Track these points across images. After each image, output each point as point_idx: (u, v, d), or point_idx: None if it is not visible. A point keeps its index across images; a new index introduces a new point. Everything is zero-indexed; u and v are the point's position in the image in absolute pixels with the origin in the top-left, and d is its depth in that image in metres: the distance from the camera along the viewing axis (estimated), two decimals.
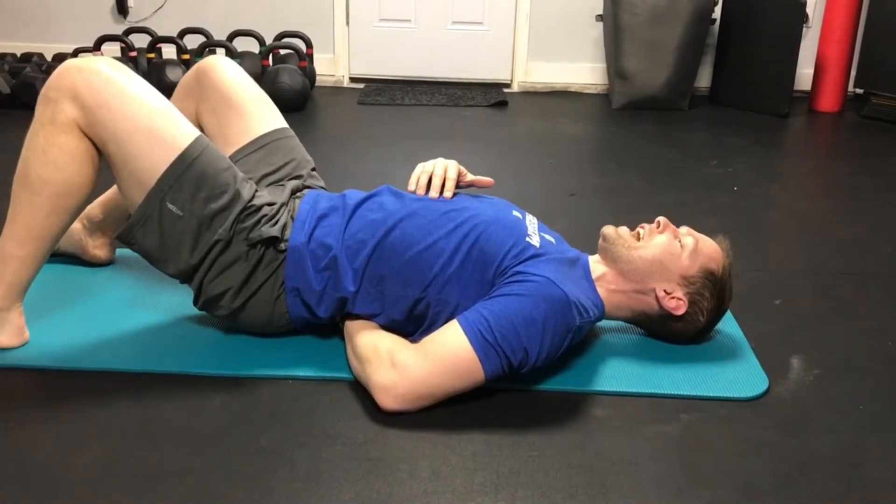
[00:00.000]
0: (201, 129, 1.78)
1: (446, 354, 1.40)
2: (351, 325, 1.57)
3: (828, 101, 4.10)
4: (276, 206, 1.59)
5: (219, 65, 1.78)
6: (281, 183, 1.73)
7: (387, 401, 1.40)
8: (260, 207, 1.56)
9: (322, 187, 1.82)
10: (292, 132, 1.83)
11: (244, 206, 1.54)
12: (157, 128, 1.48)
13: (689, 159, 3.22)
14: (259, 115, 1.78)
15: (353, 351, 1.52)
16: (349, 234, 1.56)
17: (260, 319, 1.59)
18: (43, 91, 1.48)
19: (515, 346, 1.40)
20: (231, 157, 1.71)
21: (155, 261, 1.56)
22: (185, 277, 1.57)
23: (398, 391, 1.40)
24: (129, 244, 1.55)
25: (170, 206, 1.49)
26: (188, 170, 1.49)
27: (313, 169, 1.83)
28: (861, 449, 1.40)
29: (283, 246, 1.55)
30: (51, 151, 1.46)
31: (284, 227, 1.57)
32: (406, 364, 1.41)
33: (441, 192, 1.64)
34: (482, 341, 1.39)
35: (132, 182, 1.50)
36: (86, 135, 1.47)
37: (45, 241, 1.52)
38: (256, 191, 1.59)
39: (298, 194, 1.70)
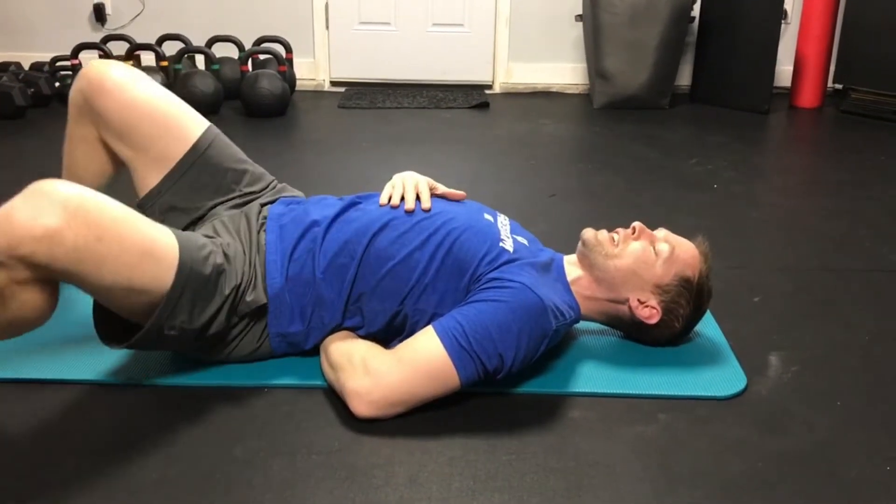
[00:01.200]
0: (112, 154, 1.62)
1: (421, 360, 1.39)
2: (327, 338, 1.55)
3: (808, 97, 4.11)
4: (248, 260, 1.50)
5: (110, 80, 1.55)
6: (233, 201, 1.65)
7: (360, 407, 1.39)
8: (241, 278, 1.47)
9: (271, 182, 1.73)
10: (214, 132, 1.66)
11: (235, 294, 1.45)
12: (138, 277, 1.30)
13: (669, 158, 3.22)
14: (174, 130, 1.60)
15: (326, 359, 1.50)
16: (325, 262, 1.52)
17: (239, 358, 1.56)
18: None
19: (490, 352, 1.39)
20: (159, 187, 1.61)
21: None
22: None
23: (372, 397, 1.38)
24: None
25: (167, 332, 1.38)
26: (180, 300, 1.35)
27: (251, 166, 1.72)
28: (839, 445, 1.40)
29: (264, 299, 1.50)
30: (10, 305, 1.24)
31: (263, 280, 1.50)
32: (379, 370, 1.40)
33: (417, 205, 1.60)
34: (457, 347, 1.38)
35: (116, 308, 1.38)
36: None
37: None
38: (233, 258, 1.47)
39: (260, 219, 1.60)
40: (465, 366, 1.39)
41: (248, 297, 1.48)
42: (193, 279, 1.37)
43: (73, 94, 1.61)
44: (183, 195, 1.62)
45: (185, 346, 1.48)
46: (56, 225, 1.19)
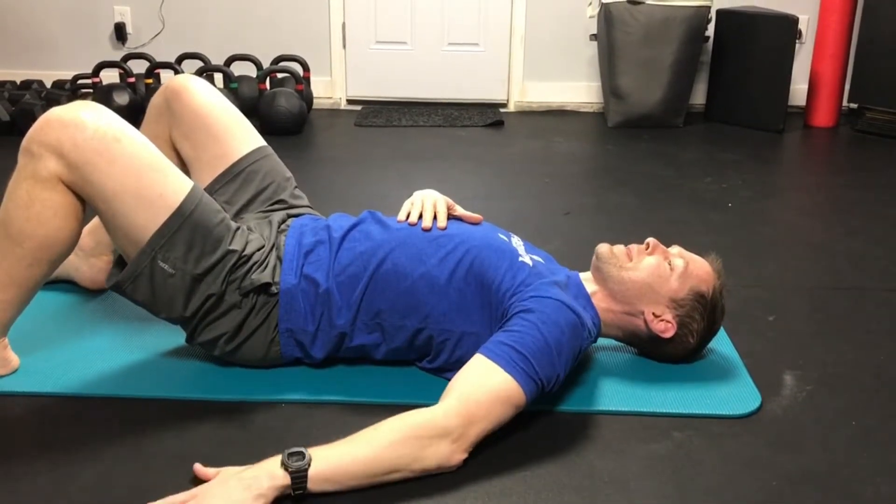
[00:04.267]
0: (176, 153, 1.75)
1: (496, 397, 1.34)
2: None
3: (822, 116, 4.11)
4: (265, 250, 1.57)
5: (188, 86, 1.72)
6: (265, 213, 1.72)
7: (458, 458, 1.32)
8: (251, 256, 1.54)
9: (307, 206, 1.81)
10: (269, 150, 1.80)
11: (237, 259, 1.51)
12: (146, 186, 1.44)
13: (684, 176, 3.23)
14: (234, 137, 1.74)
15: (386, 447, 1.28)
16: (339, 269, 1.55)
17: (254, 359, 1.59)
18: (25, 143, 1.43)
19: (550, 374, 1.40)
20: (210, 187, 1.70)
21: (146, 309, 1.55)
22: (176, 323, 1.57)
23: (466, 445, 1.32)
24: (120, 294, 1.53)
25: (161, 264, 1.47)
26: (180, 228, 1.46)
27: (295, 188, 1.81)
28: (854, 465, 1.40)
29: (274, 289, 1.54)
30: (33, 206, 1.42)
31: (274, 269, 1.55)
32: (451, 419, 1.31)
33: (433, 223, 1.62)
34: (523, 374, 1.36)
35: (121, 236, 1.48)
36: (70, 188, 1.44)
37: (27, 288, 1.50)
38: (248, 239, 1.56)
39: (284, 226, 1.68)
40: (531, 391, 1.38)
41: (254, 275, 1.52)
42: (199, 217, 1.47)
43: (156, 97, 1.77)
44: (228, 196, 1.71)
45: (179, 304, 1.50)
46: (82, 115, 1.42)
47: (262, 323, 1.55)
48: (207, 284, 1.50)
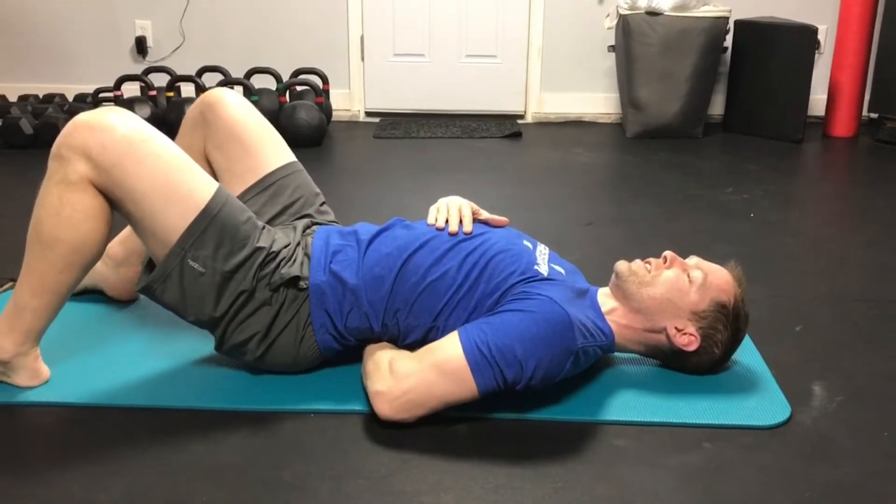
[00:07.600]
0: (209, 164, 1.76)
1: (439, 361, 1.44)
2: (366, 348, 1.60)
3: (842, 127, 4.09)
4: (291, 247, 1.60)
5: (223, 99, 1.74)
6: (291, 224, 1.74)
7: (382, 407, 1.44)
8: (278, 252, 1.56)
9: (333, 221, 1.83)
10: (300, 166, 1.82)
11: (265, 255, 1.54)
12: (174, 185, 1.46)
13: (704, 187, 3.22)
14: (266, 151, 1.76)
15: (363, 370, 1.55)
16: (366, 269, 1.57)
17: (285, 361, 1.60)
18: (54, 148, 1.46)
19: (510, 361, 1.41)
20: (240, 197, 1.70)
21: (176, 311, 1.56)
22: (205, 326, 1.58)
23: (392, 395, 1.43)
24: (150, 297, 1.55)
25: (191, 263, 1.49)
26: (209, 227, 1.48)
27: (322, 203, 1.83)
28: (888, 476, 1.38)
29: (303, 284, 1.56)
30: (64, 210, 1.44)
31: (302, 264, 1.58)
32: (400, 370, 1.45)
33: (460, 228, 1.64)
34: (476, 353, 1.41)
35: (151, 238, 1.50)
36: (99, 191, 1.45)
37: (59, 294, 1.51)
38: (274, 237, 1.58)
39: (309, 231, 1.70)
40: (483, 373, 1.41)
41: (283, 270, 1.54)
42: (226, 215, 1.50)
43: (192, 109, 1.78)
44: (257, 207, 1.72)
45: (209, 304, 1.51)
46: (109, 119, 1.44)
47: (291, 319, 1.57)
48: (237, 282, 1.52)
